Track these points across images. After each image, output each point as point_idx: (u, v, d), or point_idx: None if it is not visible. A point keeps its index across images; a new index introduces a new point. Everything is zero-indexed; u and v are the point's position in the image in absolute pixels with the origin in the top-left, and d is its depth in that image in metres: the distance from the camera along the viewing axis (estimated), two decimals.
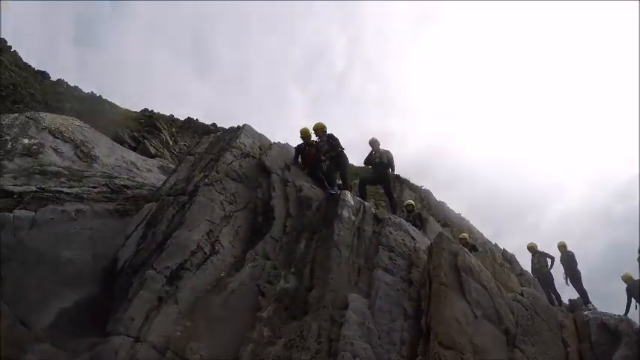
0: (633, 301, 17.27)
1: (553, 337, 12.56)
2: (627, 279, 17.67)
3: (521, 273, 23.03)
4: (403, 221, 13.15)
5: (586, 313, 14.63)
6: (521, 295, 13.06)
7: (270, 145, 14.84)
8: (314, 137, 14.92)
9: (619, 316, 14.18)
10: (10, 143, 15.05)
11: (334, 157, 14.66)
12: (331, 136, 14.93)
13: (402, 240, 12.25)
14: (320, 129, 14.98)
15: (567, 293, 18.65)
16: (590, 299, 17.85)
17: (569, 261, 18.62)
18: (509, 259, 23.16)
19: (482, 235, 25.24)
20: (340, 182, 14.37)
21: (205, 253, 11.02)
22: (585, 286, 18.31)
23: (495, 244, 24.42)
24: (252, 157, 13.90)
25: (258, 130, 15.56)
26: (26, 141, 15.42)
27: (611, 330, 13.27)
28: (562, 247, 18.92)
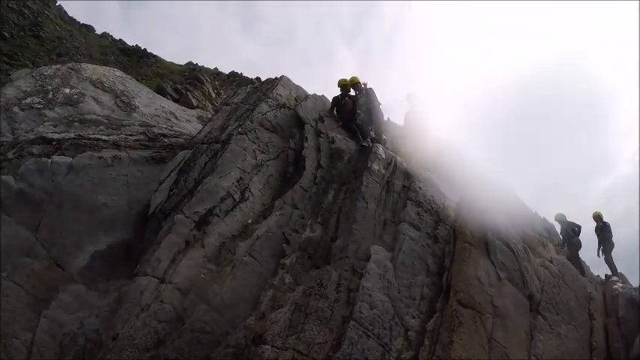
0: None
1: (579, 308, 12.31)
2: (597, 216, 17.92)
3: (559, 244, 22.57)
4: (434, 178, 13.01)
5: (616, 286, 14.25)
6: (550, 262, 12.83)
7: (307, 97, 14.80)
8: (352, 91, 14.79)
9: None
10: (51, 93, 15.42)
11: (370, 110, 14.51)
12: (369, 89, 14.77)
13: (432, 196, 12.15)
14: (357, 82, 14.83)
15: (606, 269, 18.12)
16: (628, 276, 17.43)
17: (604, 231, 18.19)
18: (548, 229, 22.70)
19: (522, 202, 24.77)
20: (374, 136, 14.22)
21: (235, 200, 11.17)
22: (623, 262, 17.90)
23: (536, 213, 23.95)
24: (288, 108, 13.89)
25: (304, 86, 15.60)
26: (67, 90, 15.77)
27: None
28: (597, 217, 18.48)
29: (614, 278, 16.03)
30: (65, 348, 9.75)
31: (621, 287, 13.94)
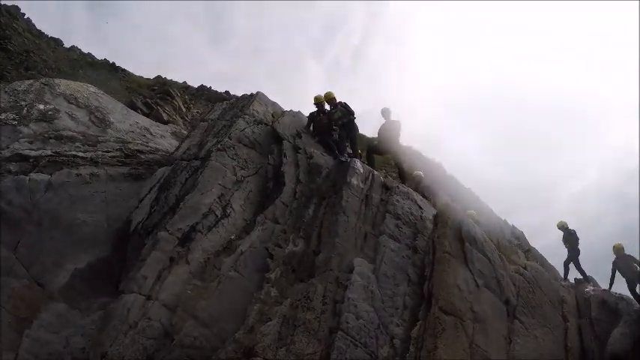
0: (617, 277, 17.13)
1: (553, 311, 12.75)
2: (618, 250, 17.10)
3: (529, 250, 23.05)
4: (411, 190, 13.32)
5: (587, 289, 14.72)
6: (525, 268, 13.23)
7: (283, 113, 15.02)
8: (327, 106, 15.03)
9: (619, 294, 14.28)
10: (25, 109, 15.28)
11: (345, 125, 14.76)
12: (344, 104, 15.01)
13: (409, 208, 12.46)
14: (332, 98, 15.07)
15: (576, 273, 18.49)
16: (595, 280, 17.67)
17: (571, 238, 18.52)
18: (517, 235, 23.18)
19: (491, 210, 25.27)
20: (350, 151, 14.51)
21: (217, 216, 11.34)
22: (591, 266, 18.12)
23: (505, 221, 24.47)
24: (265, 124, 14.11)
25: (273, 99, 15.78)
26: (41, 106, 15.65)
27: (611, 307, 13.43)
28: (562, 226, 18.74)
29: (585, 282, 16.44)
30: None
31: (592, 290, 14.41)
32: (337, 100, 15.06)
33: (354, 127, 15.03)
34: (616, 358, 12.31)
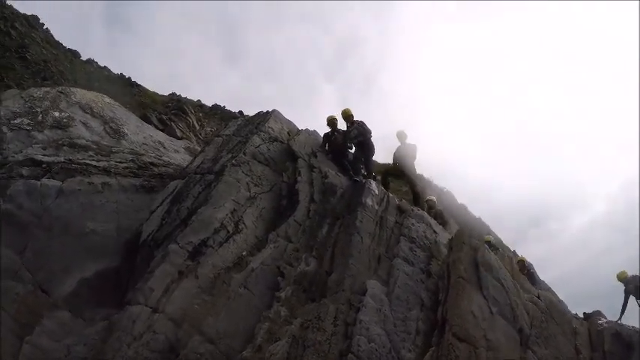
0: (631, 301, 16.66)
1: (566, 343, 12.46)
2: (624, 277, 16.86)
3: (538, 282, 22.76)
4: (425, 214, 13.21)
5: (600, 322, 14.43)
6: (538, 297, 13.00)
7: (299, 131, 14.95)
8: (341, 126, 14.95)
9: (633, 327, 14.01)
10: (40, 115, 15.30)
11: (361, 144, 14.62)
12: (360, 122, 14.86)
13: (424, 232, 12.30)
14: (349, 115, 14.96)
15: (583, 307, 18.10)
16: (606, 314, 17.14)
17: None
18: (527, 267, 22.98)
19: (501, 240, 25.15)
20: (365, 172, 14.37)
21: (228, 232, 11.19)
22: (601, 300, 17.74)
23: (514, 251, 24.30)
24: (280, 141, 14.03)
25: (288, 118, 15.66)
26: (57, 114, 15.67)
27: (625, 341, 13.14)
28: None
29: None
30: None
31: (605, 323, 14.13)
32: (354, 118, 14.93)
33: (371, 147, 14.85)
34: None
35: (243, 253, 11.04)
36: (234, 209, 11.63)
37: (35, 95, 16.33)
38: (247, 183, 12.30)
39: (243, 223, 11.53)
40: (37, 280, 11.01)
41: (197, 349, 9.30)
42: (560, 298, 17.37)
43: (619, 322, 14.88)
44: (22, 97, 15.95)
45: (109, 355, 9.02)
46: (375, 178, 14.31)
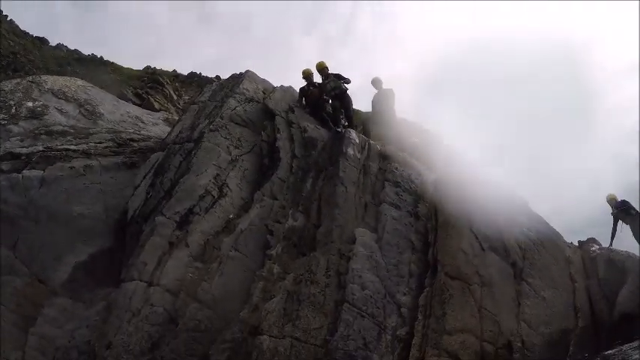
0: (620, 225, 16.72)
1: (560, 272, 12.53)
2: (612, 200, 16.88)
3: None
4: (408, 157, 13.13)
5: (593, 249, 14.41)
6: (528, 229, 13.03)
7: (274, 89, 14.75)
8: (317, 79, 14.80)
9: (625, 252, 14.04)
10: (14, 108, 15.17)
11: (338, 96, 14.55)
12: (337, 74, 14.75)
13: (409, 175, 12.27)
14: (323, 67, 14.79)
15: (582, 235, 17.91)
16: (604, 240, 16.97)
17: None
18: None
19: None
20: (346, 122, 14.27)
21: (213, 197, 11.19)
22: (595, 230, 17.57)
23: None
24: (257, 101, 13.88)
25: (265, 77, 15.45)
26: (30, 104, 15.52)
27: (618, 266, 13.20)
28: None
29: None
30: None
31: (598, 249, 14.17)
32: (329, 71, 14.79)
33: (348, 97, 14.74)
34: (626, 316, 12.13)
35: (231, 216, 11.06)
36: (217, 174, 11.61)
37: (6, 88, 16.14)
38: (227, 146, 12.24)
39: (228, 187, 11.52)
40: (33, 271, 11.04)
41: (195, 316, 9.42)
42: (557, 228, 17.33)
43: (610, 247, 14.88)
44: None
45: (111, 334, 9.13)
46: (355, 128, 14.24)
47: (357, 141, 12.50)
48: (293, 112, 13.62)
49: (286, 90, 14.79)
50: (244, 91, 14.00)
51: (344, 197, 11.07)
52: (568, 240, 15.67)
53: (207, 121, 13.03)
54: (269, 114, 13.42)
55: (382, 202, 11.40)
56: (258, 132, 13.04)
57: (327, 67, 14.85)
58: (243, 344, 8.92)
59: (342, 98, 14.59)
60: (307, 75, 14.76)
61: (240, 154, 12.33)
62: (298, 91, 14.75)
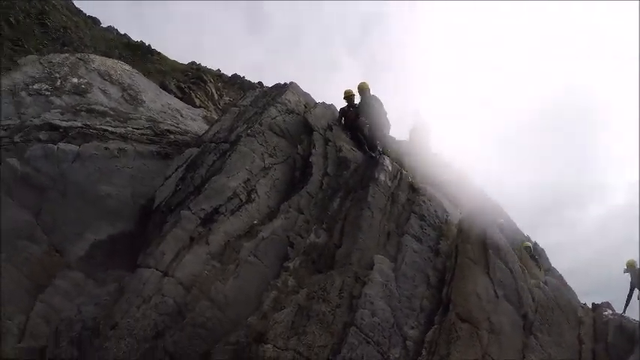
0: (636, 292, 16.48)
1: (570, 332, 12.43)
2: (631, 266, 16.53)
3: (549, 269, 22.62)
4: (438, 193, 13.13)
5: (606, 313, 14.32)
6: (545, 284, 12.97)
7: (316, 104, 14.87)
8: (357, 100, 14.72)
9: (637, 321, 13.91)
10: (59, 81, 15.49)
11: (371, 116, 14.21)
12: (374, 97, 14.49)
13: (435, 211, 12.26)
14: (365, 89, 14.53)
15: (597, 297, 17.76)
16: (619, 306, 16.81)
17: None
18: (539, 252, 22.83)
19: (515, 224, 24.93)
20: (380, 148, 14.24)
21: (241, 200, 11.33)
22: (616, 292, 17.33)
23: (528, 236, 24.14)
24: (297, 114, 14.02)
25: (307, 91, 15.59)
26: (75, 80, 15.82)
27: (629, 333, 13.08)
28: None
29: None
30: (60, 334, 9.80)
31: (611, 314, 14.06)
32: (370, 93, 14.54)
33: (386, 123, 14.60)
34: None
35: (255, 222, 11.17)
36: (248, 178, 11.75)
37: (54, 61, 16.48)
38: (262, 153, 12.38)
39: (256, 193, 11.64)
40: (52, 241, 11.29)
41: (204, 313, 9.51)
42: (574, 287, 17.18)
43: (623, 314, 14.77)
44: (40, 63, 16.12)
45: (118, 315, 9.23)
46: (389, 155, 14.24)
47: (390, 169, 12.54)
48: (331, 130, 13.71)
49: (327, 107, 14.89)
50: (286, 101, 14.15)
51: (369, 222, 11.10)
52: (582, 300, 15.62)
53: (245, 125, 13.18)
54: (307, 128, 13.53)
55: (405, 232, 11.39)
56: (294, 144, 13.16)
57: (368, 89, 14.58)
58: (247, 350, 8.94)
59: (374, 119, 14.30)
60: (348, 95, 14.76)
61: (273, 163, 12.46)
62: (339, 110, 14.81)
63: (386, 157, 12.96)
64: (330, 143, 13.18)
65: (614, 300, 16.76)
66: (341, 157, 12.91)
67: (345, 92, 14.82)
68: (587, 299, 16.96)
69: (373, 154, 13.25)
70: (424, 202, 12.25)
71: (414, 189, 12.57)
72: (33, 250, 10.99)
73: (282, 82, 15.61)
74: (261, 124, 12.92)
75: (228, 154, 12.13)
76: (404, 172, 12.97)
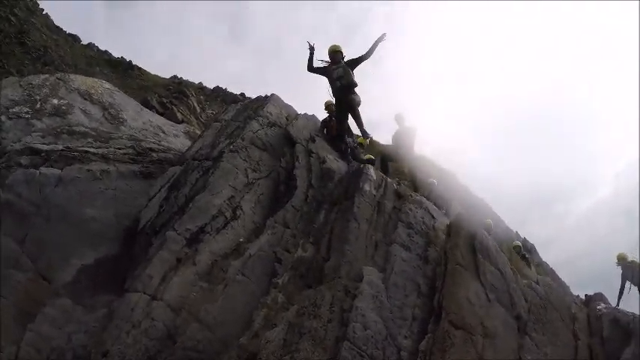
0: (628, 285, 16.50)
1: (564, 329, 12.42)
2: (622, 259, 16.68)
3: (540, 264, 22.76)
4: (424, 199, 13.08)
5: (600, 307, 14.35)
6: (537, 283, 12.97)
7: (297, 116, 14.79)
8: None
9: (632, 313, 13.95)
10: (39, 103, 15.37)
11: (344, 88, 13.58)
12: (353, 60, 13.67)
13: (422, 218, 12.19)
14: (337, 51, 13.73)
15: (585, 289, 18.00)
16: (610, 295, 16.92)
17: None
18: (529, 248, 22.97)
19: (503, 222, 25.09)
20: (367, 158, 14.19)
21: (226, 218, 11.21)
22: (604, 284, 17.65)
23: (516, 232, 24.31)
24: (279, 126, 13.92)
25: (290, 102, 15.50)
26: (55, 101, 15.71)
27: (623, 326, 13.10)
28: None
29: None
30: None
31: (605, 308, 14.08)
32: (343, 56, 13.75)
33: (355, 98, 13.73)
34: None
35: (241, 240, 11.06)
36: (232, 195, 11.64)
37: (34, 83, 16.34)
38: (245, 169, 12.28)
39: (241, 209, 11.54)
40: (38, 268, 11.13)
41: (194, 336, 9.38)
42: (565, 279, 17.34)
43: (617, 307, 14.82)
44: (20, 85, 15.98)
45: (109, 342, 9.10)
46: (372, 162, 14.20)
47: (375, 178, 12.45)
48: (314, 141, 13.63)
49: (309, 118, 14.83)
50: (268, 114, 14.06)
51: (356, 234, 11.00)
52: (575, 293, 15.66)
53: (227, 140, 13.09)
54: (290, 141, 13.45)
55: (393, 242, 11.29)
56: (277, 157, 13.06)
57: (340, 52, 13.79)
58: None
59: (347, 92, 13.68)
60: (329, 106, 14.75)
61: (257, 178, 12.36)
62: (321, 122, 14.78)
63: (370, 166, 12.90)
64: (313, 155, 13.10)
65: (605, 290, 16.88)
66: (324, 168, 12.83)
67: (326, 103, 14.81)
68: (580, 291, 17.07)
69: (351, 140, 13.57)
70: (410, 209, 12.16)
71: (400, 196, 12.51)
72: (19, 278, 10.82)
73: (264, 95, 15.55)
74: (243, 139, 12.82)
75: (211, 171, 12.02)
76: (389, 179, 12.92)
